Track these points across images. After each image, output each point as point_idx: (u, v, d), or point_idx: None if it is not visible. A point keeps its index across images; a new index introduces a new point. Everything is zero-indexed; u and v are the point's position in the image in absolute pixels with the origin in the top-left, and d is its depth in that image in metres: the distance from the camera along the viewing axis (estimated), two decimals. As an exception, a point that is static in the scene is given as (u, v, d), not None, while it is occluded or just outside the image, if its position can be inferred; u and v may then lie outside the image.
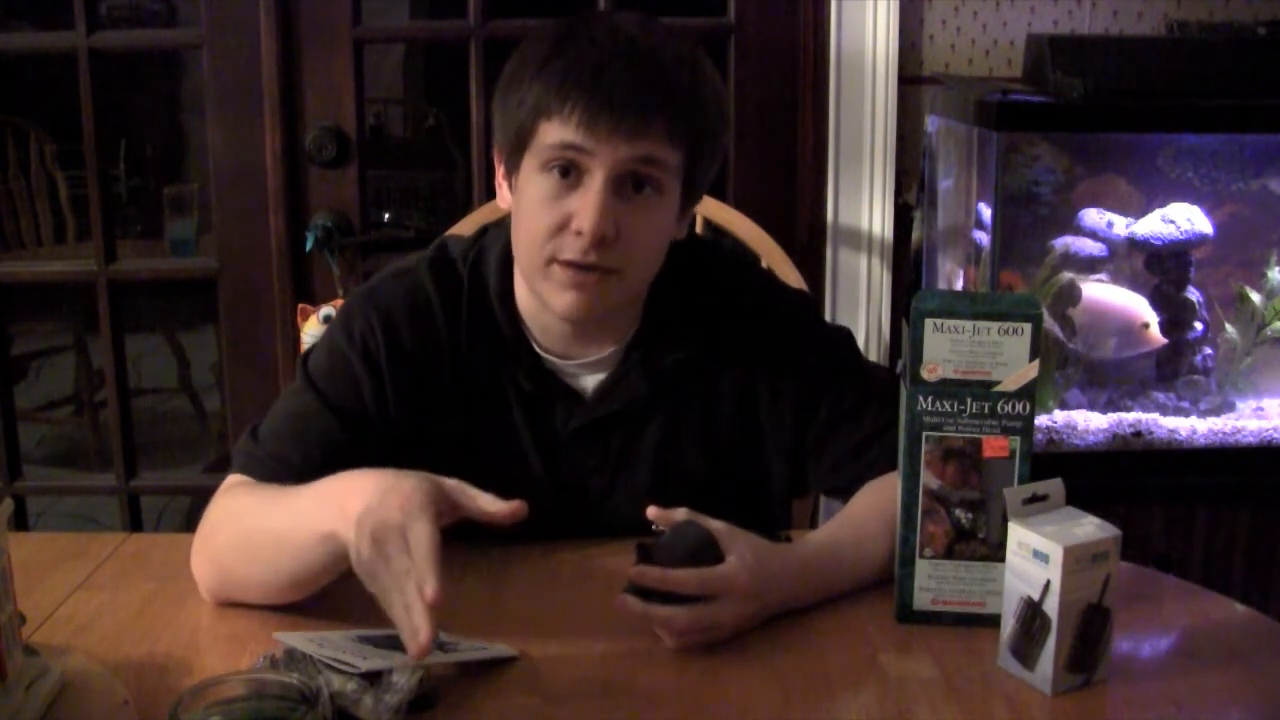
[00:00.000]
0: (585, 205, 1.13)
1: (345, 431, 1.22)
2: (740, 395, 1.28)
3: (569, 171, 1.14)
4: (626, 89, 1.11)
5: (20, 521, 2.58)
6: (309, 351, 1.29)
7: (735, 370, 1.28)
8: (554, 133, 1.13)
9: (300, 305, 2.17)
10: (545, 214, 1.15)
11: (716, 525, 1.08)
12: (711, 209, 1.80)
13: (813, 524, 1.67)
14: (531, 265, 1.18)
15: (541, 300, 1.21)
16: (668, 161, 1.15)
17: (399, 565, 0.95)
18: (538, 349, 1.26)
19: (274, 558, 1.09)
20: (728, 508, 1.26)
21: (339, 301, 2.18)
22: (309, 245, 2.22)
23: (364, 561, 0.97)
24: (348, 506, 1.00)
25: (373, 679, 0.94)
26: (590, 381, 1.27)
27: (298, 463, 1.19)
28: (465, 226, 1.69)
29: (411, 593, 0.94)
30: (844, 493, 1.28)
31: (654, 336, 1.26)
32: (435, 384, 1.25)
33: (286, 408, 1.25)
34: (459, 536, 1.13)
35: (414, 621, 0.93)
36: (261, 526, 1.11)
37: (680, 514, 1.09)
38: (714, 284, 1.30)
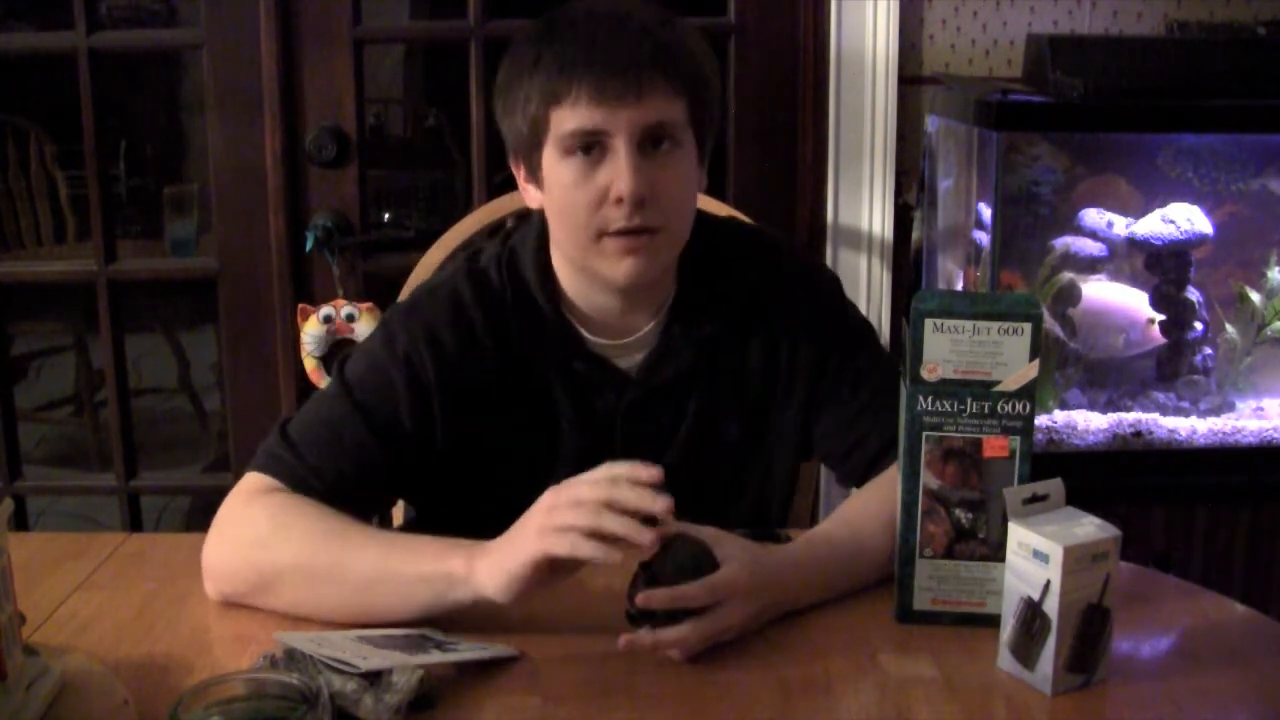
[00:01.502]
0: (618, 173, 1.17)
1: (380, 444, 1.22)
2: (765, 364, 1.31)
3: (591, 149, 1.17)
4: (622, 56, 1.16)
5: (20, 521, 2.58)
6: (345, 359, 1.29)
7: (761, 339, 1.31)
8: (568, 119, 1.17)
9: (300, 305, 2.17)
10: (581, 194, 1.18)
11: (706, 532, 1.08)
12: (712, 209, 1.80)
13: (812, 523, 1.67)
14: (580, 246, 1.21)
15: (596, 277, 1.23)
16: (676, 116, 1.19)
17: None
18: (583, 333, 1.28)
19: (381, 605, 1.09)
20: (742, 476, 1.32)
21: (339, 301, 2.19)
22: (309, 245, 2.22)
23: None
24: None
25: (373, 679, 0.94)
26: (635, 360, 1.29)
27: (331, 478, 1.19)
28: (464, 227, 1.69)
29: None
30: (839, 462, 1.31)
31: (690, 307, 1.29)
32: (482, 391, 1.26)
33: (320, 414, 1.24)
34: (496, 532, 1.13)
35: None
36: (363, 572, 1.10)
37: (670, 528, 1.09)
38: (739, 255, 1.33)
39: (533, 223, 1.30)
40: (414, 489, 1.33)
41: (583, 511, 1.01)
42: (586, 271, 1.24)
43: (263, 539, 1.14)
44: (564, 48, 1.17)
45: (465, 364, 1.26)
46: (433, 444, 1.25)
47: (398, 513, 1.53)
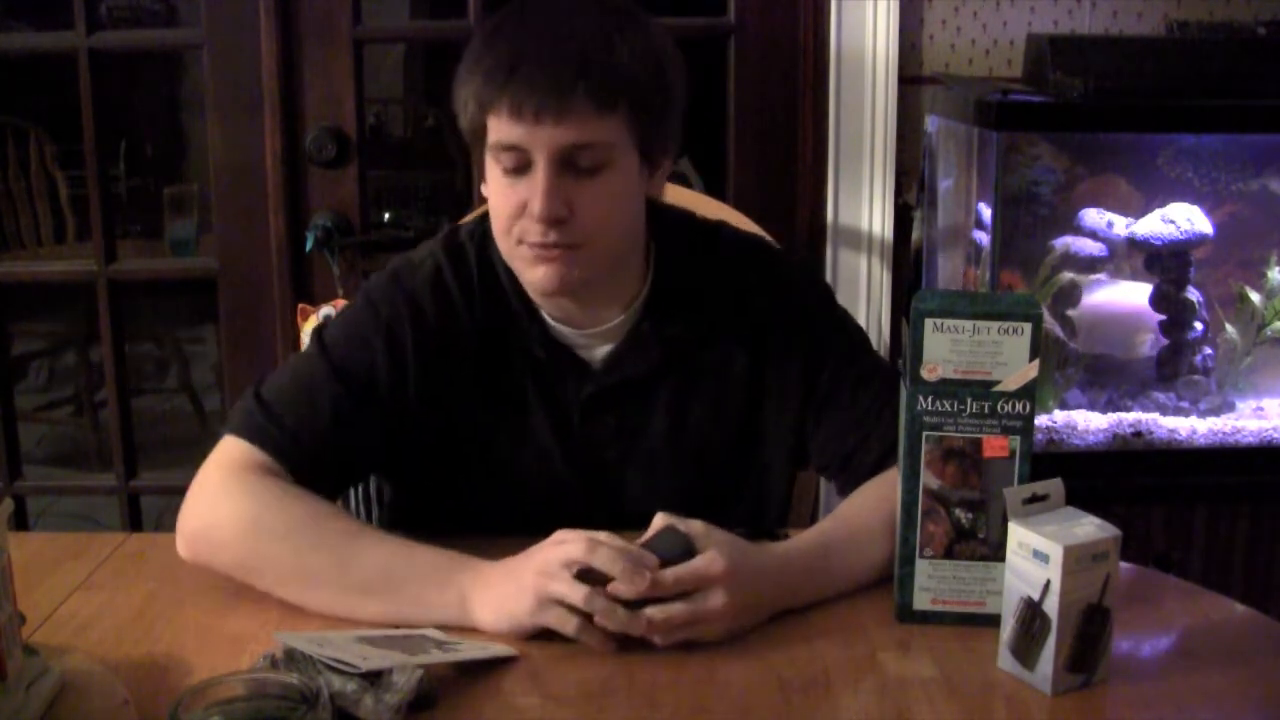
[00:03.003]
0: (534, 192, 1.16)
1: (355, 407, 1.23)
2: (751, 369, 1.30)
3: (517, 160, 1.17)
4: (542, 75, 1.14)
5: (20, 521, 2.58)
6: (324, 324, 1.30)
7: (747, 343, 1.30)
8: (494, 128, 1.17)
9: (300, 305, 2.17)
10: (506, 200, 1.19)
11: (694, 526, 1.09)
12: (712, 209, 1.80)
13: (812, 524, 1.67)
14: (505, 248, 1.23)
15: (520, 278, 1.24)
16: (604, 136, 1.17)
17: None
18: (548, 319, 1.28)
19: (366, 608, 1.10)
20: (736, 483, 1.30)
21: (339, 301, 2.18)
22: (309, 245, 2.22)
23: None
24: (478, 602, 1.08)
25: (373, 679, 0.94)
26: (601, 352, 1.29)
27: (307, 441, 1.20)
28: (465, 226, 1.69)
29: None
30: (838, 471, 1.30)
31: (663, 305, 1.28)
32: (456, 363, 1.27)
33: (297, 375, 1.25)
34: (459, 534, 1.14)
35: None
36: (358, 583, 1.11)
37: (658, 521, 1.10)
38: (727, 257, 1.32)
39: None
40: (388, 460, 1.33)
41: (582, 593, 1.02)
42: (513, 270, 1.25)
43: (254, 526, 1.14)
44: (496, 58, 1.16)
45: (443, 336, 1.26)
46: (405, 413, 1.25)
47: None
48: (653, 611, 1.03)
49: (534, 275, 1.20)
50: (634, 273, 1.28)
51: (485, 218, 1.33)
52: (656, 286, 1.29)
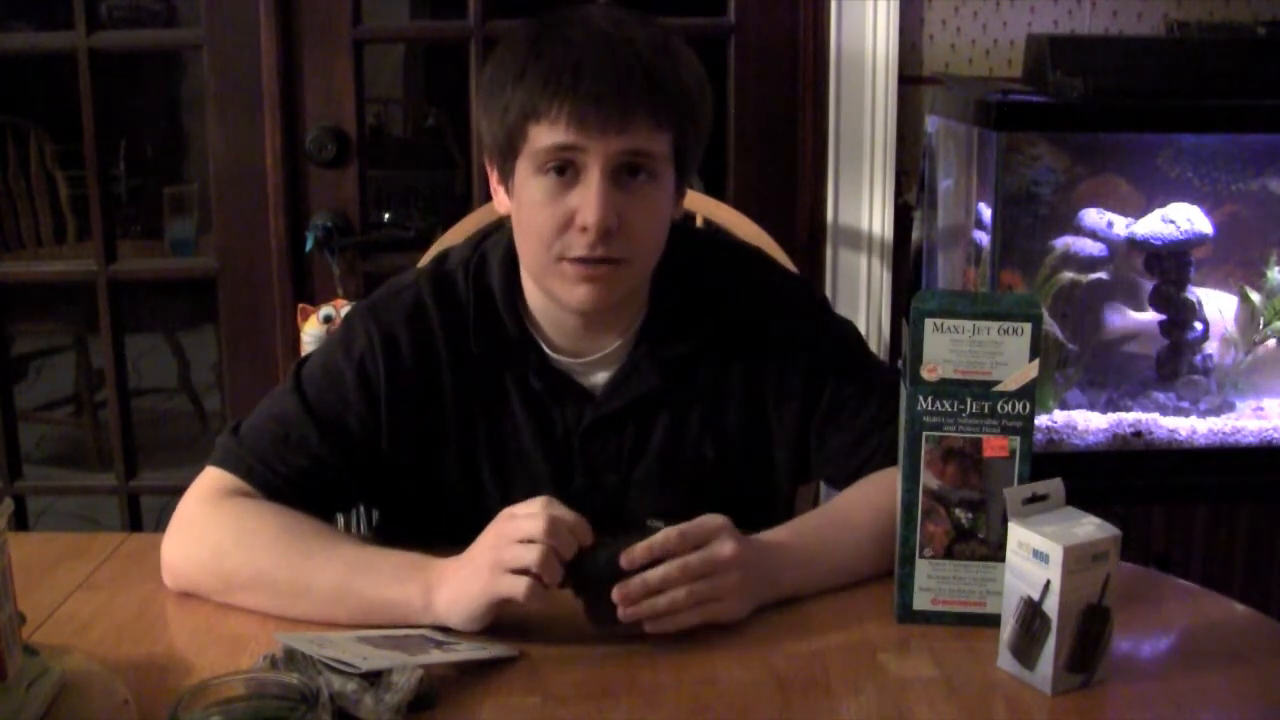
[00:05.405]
0: (586, 201, 1.14)
1: (326, 444, 1.23)
2: (748, 384, 1.29)
3: (565, 170, 1.15)
4: (609, 82, 1.12)
5: (20, 521, 2.58)
6: (306, 356, 1.30)
7: (743, 359, 1.29)
8: (545, 135, 1.14)
9: (300, 305, 2.17)
10: (548, 215, 1.16)
11: (695, 522, 1.09)
12: (711, 209, 1.80)
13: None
14: (540, 265, 1.19)
15: (553, 298, 1.22)
16: (658, 149, 1.16)
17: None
18: (546, 349, 1.26)
19: (329, 611, 1.11)
20: (736, 497, 1.27)
21: (339, 301, 2.18)
22: (309, 245, 2.22)
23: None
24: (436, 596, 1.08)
25: (373, 679, 0.94)
26: (600, 378, 1.27)
27: (282, 471, 1.21)
28: (465, 227, 1.69)
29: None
30: (842, 484, 1.29)
31: (661, 327, 1.27)
32: (435, 399, 1.26)
33: (271, 409, 1.25)
34: (456, 539, 1.14)
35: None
36: (320, 586, 1.12)
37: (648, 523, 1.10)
38: (720, 273, 1.31)
39: (506, 229, 1.27)
40: (370, 490, 1.33)
41: (534, 553, 1.02)
42: (545, 289, 1.22)
43: (225, 547, 1.15)
44: (551, 63, 1.13)
45: (420, 370, 1.25)
46: (380, 449, 1.25)
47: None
48: (676, 591, 1.04)
49: (574, 294, 1.18)
50: (640, 297, 1.27)
51: (480, 241, 1.32)
52: (655, 309, 1.28)
